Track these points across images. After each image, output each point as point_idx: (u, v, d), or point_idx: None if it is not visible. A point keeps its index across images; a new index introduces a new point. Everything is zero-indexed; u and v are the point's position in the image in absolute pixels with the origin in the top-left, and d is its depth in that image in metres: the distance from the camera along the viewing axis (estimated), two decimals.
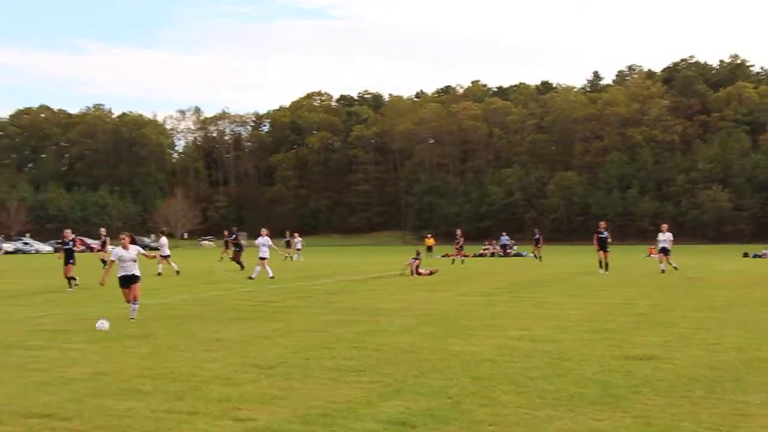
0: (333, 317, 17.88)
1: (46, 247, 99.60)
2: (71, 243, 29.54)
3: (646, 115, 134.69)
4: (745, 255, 59.81)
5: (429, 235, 69.04)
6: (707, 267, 38.92)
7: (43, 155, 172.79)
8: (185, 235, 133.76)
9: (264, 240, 35.00)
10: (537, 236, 55.52)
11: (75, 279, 28.30)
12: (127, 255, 17.55)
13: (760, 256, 57.16)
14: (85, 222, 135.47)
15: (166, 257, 37.72)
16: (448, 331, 15.02)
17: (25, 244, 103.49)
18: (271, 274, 33.23)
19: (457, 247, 50.03)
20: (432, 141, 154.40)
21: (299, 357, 12.07)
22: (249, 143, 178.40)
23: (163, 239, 40.57)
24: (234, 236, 47.15)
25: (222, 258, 52.83)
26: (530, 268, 41.16)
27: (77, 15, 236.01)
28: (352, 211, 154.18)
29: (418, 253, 37.07)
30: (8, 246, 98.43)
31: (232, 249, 45.96)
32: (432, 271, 35.76)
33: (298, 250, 58.88)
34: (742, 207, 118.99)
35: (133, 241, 18.16)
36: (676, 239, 36.65)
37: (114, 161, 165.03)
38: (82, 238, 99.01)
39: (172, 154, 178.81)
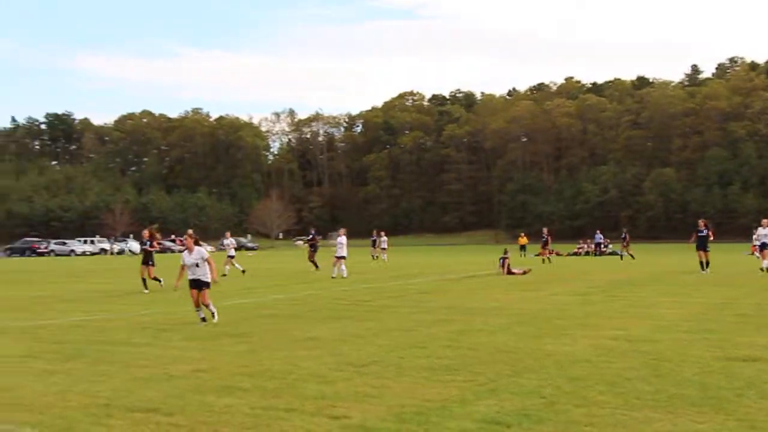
0: (426, 316, 17.87)
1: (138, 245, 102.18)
2: (148, 243, 29.42)
3: (750, 108, 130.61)
4: None
5: (522, 234, 68.44)
6: None
7: (145, 159, 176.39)
8: (280, 236, 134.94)
9: (342, 239, 35.31)
10: (624, 235, 55.26)
11: (160, 280, 27.85)
12: (189, 259, 16.64)
13: None
14: (184, 223, 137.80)
15: (231, 258, 38.34)
16: (542, 331, 14.89)
17: (128, 245, 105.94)
18: (345, 274, 33.50)
19: (543, 246, 50.49)
20: (525, 139, 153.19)
21: (393, 356, 12.09)
22: (342, 144, 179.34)
23: (229, 240, 40.89)
24: (311, 236, 47.28)
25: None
26: (625, 267, 40.63)
27: (170, 20, 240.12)
28: (444, 210, 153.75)
29: (506, 251, 36.85)
30: (115, 247, 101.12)
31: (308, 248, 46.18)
32: (525, 271, 35.52)
33: (383, 249, 59.01)
34: None
35: (197, 243, 17.04)
36: None
37: (212, 164, 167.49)
38: (181, 238, 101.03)
39: (267, 155, 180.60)
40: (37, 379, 10.84)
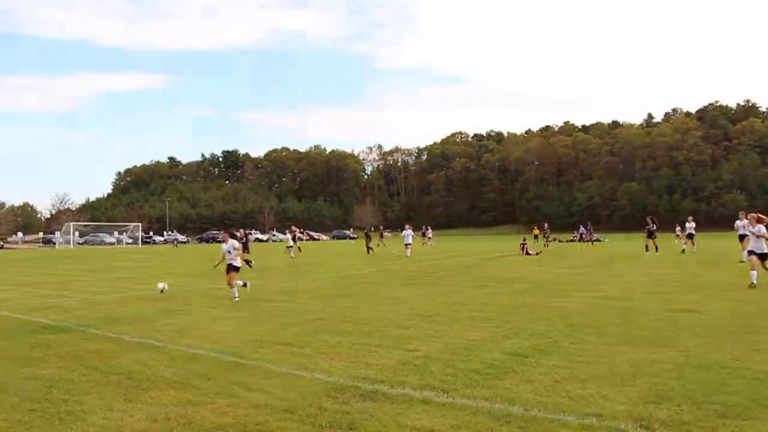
0: (470, 283, 17.77)
1: (285, 236, 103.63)
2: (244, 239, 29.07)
3: (686, 142, 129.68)
4: None
5: (536, 227, 67.66)
6: (731, 247, 36.74)
7: (284, 179, 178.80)
8: (372, 229, 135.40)
9: (408, 231, 35.93)
10: (588, 228, 56.50)
11: (250, 262, 26.05)
12: (224, 247, 14.91)
13: None
14: (309, 221, 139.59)
15: (289, 247, 36.44)
16: (549, 292, 14.69)
17: (273, 235, 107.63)
18: (408, 254, 33.73)
19: (545, 236, 50.64)
20: (537, 163, 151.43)
21: (448, 310, 12.05)
22: (413, 167, 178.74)
23: (289, 234, 38.95)
24: (369, 229, 46.24)
25: (379, 245, 50.12)
26: (605, 249, 39.90)
27: (305, 88, 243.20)
28: (483, 211, 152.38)
29: (524, 239, 36.48)
30: (263, 236, 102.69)
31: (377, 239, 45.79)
32: (538, 252, 35.07)
33: (430, 238, 59.54)
34: (755, 206, 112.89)
35: (233, 236, 15.32)
36: (708, 231, 34.38)
37: (326, 181, 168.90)
38: (309, 232, 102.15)
39: (363, 175, 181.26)
40: (216, 321, 11.09)
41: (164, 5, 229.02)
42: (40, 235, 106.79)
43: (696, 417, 5.21)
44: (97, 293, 16.84)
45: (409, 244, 35.29)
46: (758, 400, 5.64)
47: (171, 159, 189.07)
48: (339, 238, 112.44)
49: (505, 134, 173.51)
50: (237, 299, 14.05)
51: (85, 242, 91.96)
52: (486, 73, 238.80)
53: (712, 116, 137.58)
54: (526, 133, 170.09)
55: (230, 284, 14.46)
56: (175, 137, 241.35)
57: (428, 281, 18.73)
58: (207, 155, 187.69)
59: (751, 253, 14.61)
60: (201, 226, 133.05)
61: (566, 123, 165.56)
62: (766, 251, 14.32)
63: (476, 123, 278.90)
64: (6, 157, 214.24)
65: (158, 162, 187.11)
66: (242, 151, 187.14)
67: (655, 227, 31.44)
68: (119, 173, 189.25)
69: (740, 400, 5.63)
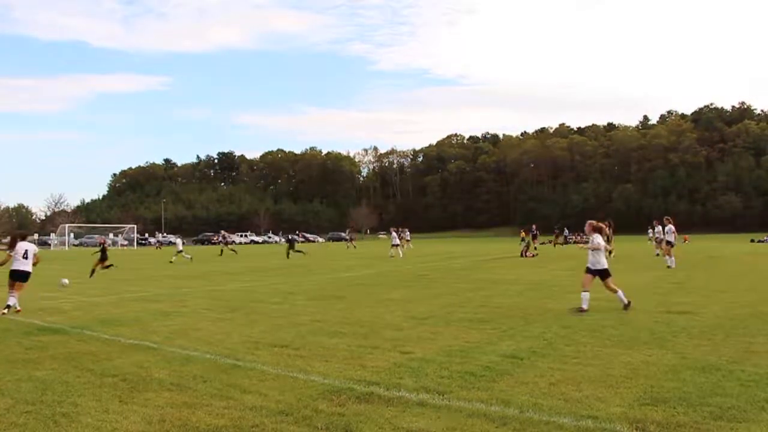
0: (465, 285, 17.77)
1: (278, 239, 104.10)
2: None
3: (681, 144, 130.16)
4: (752, 240, 57.69)
5: (522, 231, 67.93)
6: (726, 249, 36.94)
7: (279, 180, 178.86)
8: (368, 231, 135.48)
9: (394, 234, 37.54)
10: (560, 230, 56.37)
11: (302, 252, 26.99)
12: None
13: (762, 241, 55.21)
14: (305, 223, 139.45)
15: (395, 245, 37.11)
16: (544, 294, 14.70)
17: (269, 237, 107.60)
18: (401, 256, 34.56)
19: (534, 238, 50.25)
20: (532, 165, 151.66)
21: (443, 312, 12.04)
22: (409, 169, 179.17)
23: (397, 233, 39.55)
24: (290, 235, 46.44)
25: (348, 247, 50.26)
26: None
27: (301, 90, 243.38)
28: (478, 213, 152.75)
29: (523, 239, 36.57)
30: (258, 238, 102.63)
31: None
32: (534, 254, 35.10)
33: (407, 240, 58.50)
34: (749, 207, 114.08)
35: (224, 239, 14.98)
36: (703, 232, 33.93)
37: (322, 183, 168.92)
38: (305, 234, 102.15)
39: (359, 177, 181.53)
40: (211, 323, 11.06)
41: (160, 6, 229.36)
42: (36, 236, 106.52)
43: (691, 419, 5.21)
44: (92, 295, 16.78)
45: (397, 245, 36.43)
46: (754, 402, 5.64)
47: (166, 161, 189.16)
48: (335, 240, 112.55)
49: (501, 136, 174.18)
50: None
51: (81, 244, 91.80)
52: (482, 75, 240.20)
53: (707, 118, 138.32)
54: (522, 135, 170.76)
55: None
56: (171, 139, 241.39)
57: (423, 283, 18.68)
58: (202, 157, 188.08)
59: (587, 270, 12.04)
60: (197, 228, 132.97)
61: (562, 125, 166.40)
62: (605, 267, 11.95)
63: (472, 125, 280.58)
64: (1, 158, 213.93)
65: (153, 163, 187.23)
66: (238, 153, 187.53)
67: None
68: (114, 175, 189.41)
69: (736, 402, 5.64)
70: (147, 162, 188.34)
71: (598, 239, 11.92)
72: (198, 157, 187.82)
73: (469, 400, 5.88)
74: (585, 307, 11.46)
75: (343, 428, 5.19)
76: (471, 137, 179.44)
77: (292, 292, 16.48)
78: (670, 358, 7.47)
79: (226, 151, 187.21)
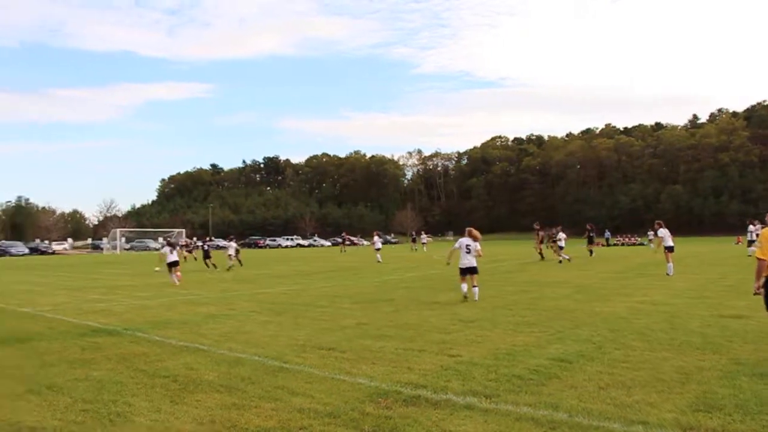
0: (512, 288, 17.66)
1: (327, 243, 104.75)
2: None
3: (732, 143, 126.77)
4: None
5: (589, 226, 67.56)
6: None
7: (324, 184, 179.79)
8: (413, 234, 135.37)
9: (376, 238, 38.28)
10: (607, 234, 56.02)
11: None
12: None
13: None
14: (350, 227, 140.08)
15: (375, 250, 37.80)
16: (592, 297, 14.50)
17: (315, 240, 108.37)
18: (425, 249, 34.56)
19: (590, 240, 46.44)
20: (578, 166, 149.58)
21: (490, 314, 11.98)
22: (453, 172, 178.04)
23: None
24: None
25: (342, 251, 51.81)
26: (648, 253, 39.10)
27: (345, 95, 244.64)
28: (523, 215, 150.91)
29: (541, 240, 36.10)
30: (303, 242, 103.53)
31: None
32: (569, 258, 34.56)
33: (424, 243, 59.33)
34: None
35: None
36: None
37: (367, 186, 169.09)
38: (350, 237, 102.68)
39: (403, 180, 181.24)
40: (259, 326, 11.21)
41: (203, 16, 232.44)
42: (89, 241, 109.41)
43: (749, 427, 5.08)
44: (143, 297, 17.16)
45: (378, 249, 37.27)
46: None
47: (213, 166, 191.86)
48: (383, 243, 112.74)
49: (546, 138, 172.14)
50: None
51: (131, 248, 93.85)
52: (525, 76, 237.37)
53: (759, 116, 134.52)
54: (567, 136, 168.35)
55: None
56: (216, 144, 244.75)
57: None
58: (248, 162, 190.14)
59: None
60: (243, 232, 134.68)
61: (607, 125, 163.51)
62: (475, 265, 14.88)
63: (516, 127, 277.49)
64: (57, 167, 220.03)
65: (201, 169, 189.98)
66: (283, 158, 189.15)
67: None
68: (163, 180, 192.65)
69: None
70: (194, 167, 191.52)
71: (478, 246, 15.18)
72: (244, 161, 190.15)
73: (517, 403, 5.85)
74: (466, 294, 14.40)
75: (389, 431, 5.21)
76: (515, 139, 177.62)
77: (338, 295, 16.57)
78: (724, 364, 7.30)
79: (271, 155, 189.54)
